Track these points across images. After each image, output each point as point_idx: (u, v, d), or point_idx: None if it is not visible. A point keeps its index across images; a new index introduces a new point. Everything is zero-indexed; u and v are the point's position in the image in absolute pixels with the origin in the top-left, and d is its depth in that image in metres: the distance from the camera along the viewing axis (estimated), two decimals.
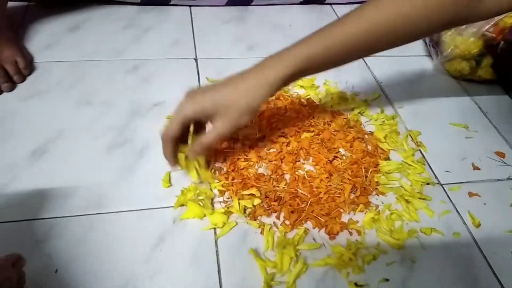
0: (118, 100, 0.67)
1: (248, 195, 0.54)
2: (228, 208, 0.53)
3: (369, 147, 0.64)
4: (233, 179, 0.56)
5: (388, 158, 0.63)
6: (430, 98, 0.76)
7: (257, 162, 0.59)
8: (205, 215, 0.52)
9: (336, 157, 0.61)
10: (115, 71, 0.73)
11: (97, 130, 0.62)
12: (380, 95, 0.75)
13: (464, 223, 0.57)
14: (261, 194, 0.54)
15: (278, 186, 0.56)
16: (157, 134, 0.61)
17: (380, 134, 0.66)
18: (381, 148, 0.64)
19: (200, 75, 0.73)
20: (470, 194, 0.60)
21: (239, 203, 0.53)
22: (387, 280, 0.49)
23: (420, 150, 0.66)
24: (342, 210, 0.55)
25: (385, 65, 0.82)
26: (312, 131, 0.64)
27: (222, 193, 0.55)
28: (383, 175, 0.60)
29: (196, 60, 0.77)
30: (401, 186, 0.60)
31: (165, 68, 0.74)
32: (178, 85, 0.70)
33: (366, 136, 0.66)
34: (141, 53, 0.77)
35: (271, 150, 0.61)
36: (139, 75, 0.72)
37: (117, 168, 0.57)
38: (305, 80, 0.74)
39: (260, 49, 0.81)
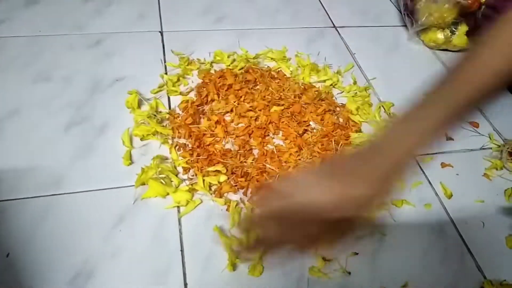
0: (78, 76, 0.64)
1: (214, 171, 0.52)
2: (192, 185, 0.51)
3: (341, 120, 0.62)
4: (198, 155, 0.54)
5: (359, 131, 0.61)
6: (405, 69, 0.75)
7: (224, 137, 0.57)
8: (168, 194, 0.50)
9: (306, 130, 0.59)
10: (75, 46, 0.69)
11: (55, 107, 0.59)
12: (354, 66, 0.73)
13: (436, 194, 0.56)
14: (227, 170, 0.52)
15: (245, 162, 0.54)
16: (118, 110, 0.58)
17: (352, 106, 0.64)
18: (353, 120, 0.62)
19: (165, 48, 0.70)
20: (443, 165, 0.59)
21: (203, 180, 0.51)
22: (357, 253, 0.48)
23: None
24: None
25: (359, 36, 0.79)
26: (282, 105, 0.61)
27: (186, 170, 0.53)
28: (354, 147, 0.59)
29: (161, 33, 0.73)
30: None
31: (128, 42, 0.71)
32: (142, 59, 0.67)
33: (337, 108, 0.64)
34: (103, 27, 0.73)
35: (239, 125, 0.59)
36: (101, 49, 0.69)
37: (75, 147, 0.54)
38: (276, 52, 0.71)
39: (229, 21, 0.78)
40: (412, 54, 0.79)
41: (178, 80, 0.64)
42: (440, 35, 0.76)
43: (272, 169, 0.53)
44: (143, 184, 0.50)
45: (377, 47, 0.78)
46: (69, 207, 0.48)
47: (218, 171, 0.52)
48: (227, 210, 0.50)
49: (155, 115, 0.57)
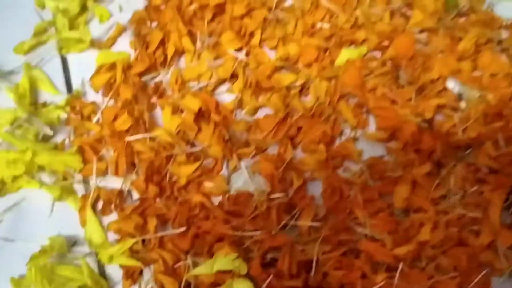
0: None
1: (215, 275, 0.18)
2: None
3: None
4: (162, 222, 0.19)
5: None
6: None
7: (225, 157, 0.21)
8: None
9: (442, 107, 0.23)
10: None
11: None
12: None
13: None
14: (249, 261, 0.19)
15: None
16: None
17: None
18: None
19: None
20: None
21: None
22: None
23: None
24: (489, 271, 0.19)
25: None
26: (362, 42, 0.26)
27: (129, 273, 0.18)
28: None
29: None
30: None
31: None
32: None
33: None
34: None
35: (258, 116, 0.24)
36: None
37: None
38: None
39: None
40: None
41: (85, 8, 0.26)
42: None
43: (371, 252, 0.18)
44: None
45: None
46: None
47: (226, 273, 0.18)
48: None
49: (30, 117, 0.21)
